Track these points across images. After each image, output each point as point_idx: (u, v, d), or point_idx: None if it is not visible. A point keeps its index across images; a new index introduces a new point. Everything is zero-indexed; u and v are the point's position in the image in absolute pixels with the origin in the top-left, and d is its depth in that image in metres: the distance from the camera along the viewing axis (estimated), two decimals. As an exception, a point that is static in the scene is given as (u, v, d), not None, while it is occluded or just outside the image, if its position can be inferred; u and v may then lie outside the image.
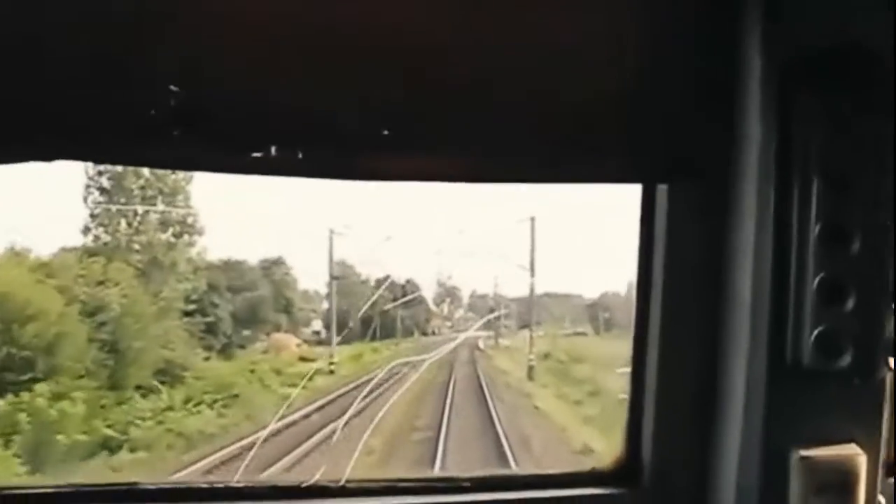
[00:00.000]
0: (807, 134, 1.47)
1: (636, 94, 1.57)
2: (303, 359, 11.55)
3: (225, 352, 11.27)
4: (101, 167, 9.14)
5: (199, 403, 9.64)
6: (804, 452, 1.51)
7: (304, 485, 1.61)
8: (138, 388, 9.55)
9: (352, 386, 9.49)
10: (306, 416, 9.09)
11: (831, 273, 1.46)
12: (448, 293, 13.01)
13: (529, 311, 12.47)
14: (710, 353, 1.65)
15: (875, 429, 1.54)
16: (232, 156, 1.38)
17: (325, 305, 12.69)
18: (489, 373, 12.71)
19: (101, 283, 9.64)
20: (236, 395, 10.00)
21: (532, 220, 11.23)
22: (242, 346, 11.72)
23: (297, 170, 1.41)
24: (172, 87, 1.32)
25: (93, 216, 10.27)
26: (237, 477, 1.60)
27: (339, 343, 12.04)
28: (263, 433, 7.67)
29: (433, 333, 13.06)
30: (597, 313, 13.28)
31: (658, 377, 1.69)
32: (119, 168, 9.37)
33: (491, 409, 10.84)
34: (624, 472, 1.74)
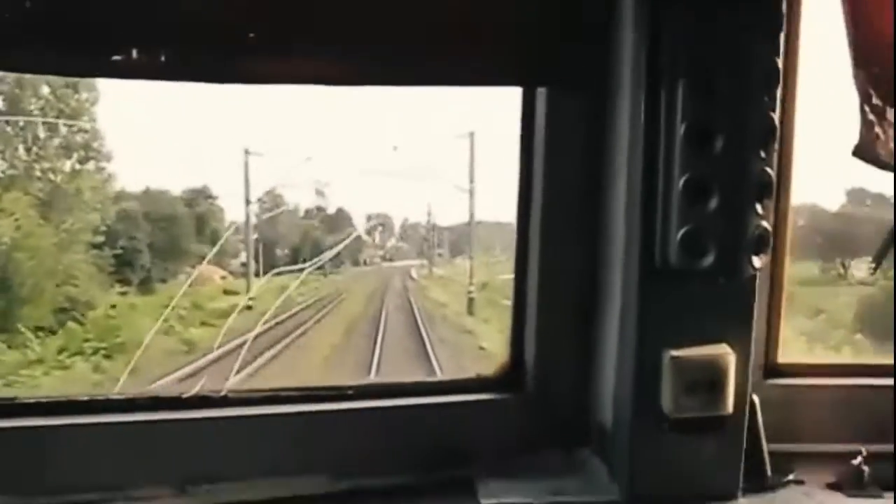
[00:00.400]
0: (675, 39, 1.49)
1: None
2: (227, 292, 10.97)
3: (145, 286, 10.72)
4: (-4, 85, 8.89)
5: (75, 354, 8.59)
6: (675, 353, 1.56)
7: (185, 395, 1.64)
8: (38, 329, 8.69)
9: (271, 324, 9.01)
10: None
11: (696, 173, 1.49)
12: (380, 221, 12.66)
13: (470, 237, 11.91)
14: (590, 258, 1.70)
15: (745, 328, 1.60)
16: (92, 59, 1.36)
17: (254, 236, 12.12)
18: (425, 306, 12.03)
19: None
20: (121, 343, 9.02)
21: (471, 135, 10.46)
22: (163, 280, 11.10)
23: (158, 73, 1.40)
24: None
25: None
26: (118, 388, 1.62)
27: (264, 274, 11.62)
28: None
29: (364, 264, 12.75)
30: None
31: (539, 283, 1.73)
32: (16, 88, 8.48)
33: (430, 351, 9.88)
34: (508, 378, 1.79)
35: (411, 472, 1.68)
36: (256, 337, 2.49)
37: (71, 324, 8.94)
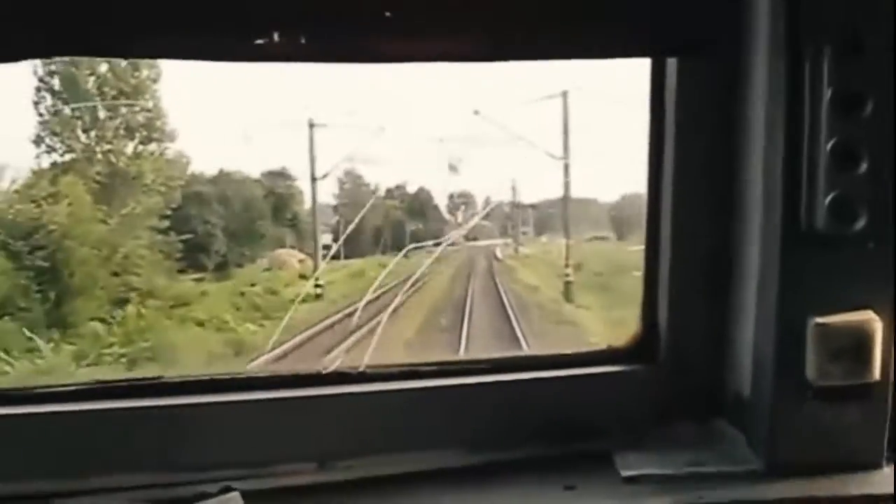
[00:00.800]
0: (816, 2, 1.47)
1: None
2: (303, 276, 10.85)
3: (221, 271, 10.47)
4: (53, 66, 8.23)
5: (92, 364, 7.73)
6: (819, 319, 1.54)
7: (324, 371, 1.69)
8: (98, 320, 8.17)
9: (341, 315, 8.52)
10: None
11: (844, 138, 1.48)
12: (462, 200, 12.14)
13: (565, 213, 10.86)
14: (723, 226, 1.69)
15: (891, 295, 1.56)
16: (234, 43, 1.41)
17: (335, 218, 12.05)
18: (514, 291, 11.19)
19: (42, 200, 8.31)
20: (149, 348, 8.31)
21: (564, 94, 9.52)
22: (240, 265, 10.93)
23: (298, 55, 1.44)
24: None
25: (44, 124, 8.92)
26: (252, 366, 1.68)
27: (346, 258, 11.29)
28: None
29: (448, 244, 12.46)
30: (621, 215, 12.05)
31: (672, 251, 1.73)
32: (71, 66, 8.40)
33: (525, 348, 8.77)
34: (640, 349, 1.80)
35: (547, 445, 1.70)
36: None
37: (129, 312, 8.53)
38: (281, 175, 11.94)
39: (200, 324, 9.12)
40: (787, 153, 1.52)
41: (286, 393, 1.66)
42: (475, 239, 12.37)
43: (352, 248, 11.48)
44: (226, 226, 10.85)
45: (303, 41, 1.40)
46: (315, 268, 10.83)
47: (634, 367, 1.79)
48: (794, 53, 1.49)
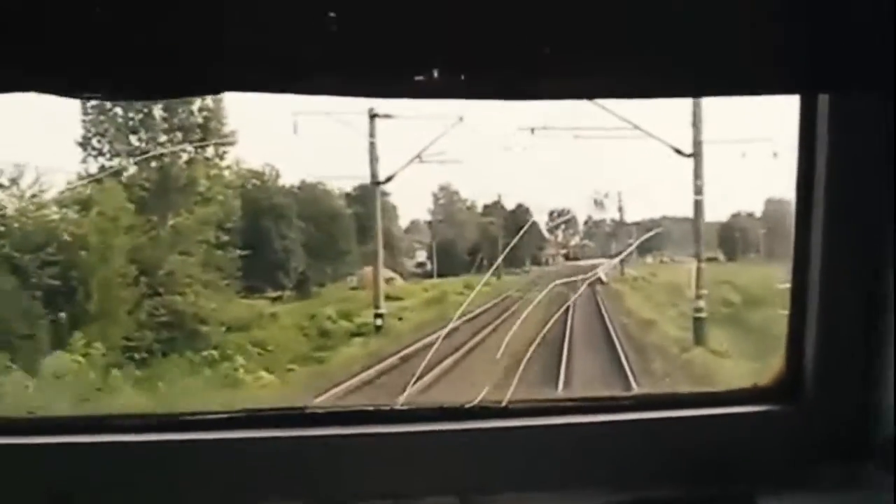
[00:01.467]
0: None
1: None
2: (389, 297, 10.33)
3: (301, 289, 10.03)
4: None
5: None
6: None
7: (467, 406, 1.74)
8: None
9: (408, 351, 8.00)
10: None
11: None
12: (563, 218, 11.74)
13: (697, 224, 9.39)
14: (877, 262, 1.68)
15: None
16: (397, 80, 1.47)
17: (430, 237, 12.05)
18: (625, 327, 9.85)
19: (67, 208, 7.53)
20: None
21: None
22: (322, 284, 10.43)
23: (459, 92, 1.50)
24: (331, 14, 1.41)
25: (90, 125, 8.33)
26: (402, 400, 1.74)
27: (439, 276, 11.44)
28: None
29: (546, 263, 12.00)
30: (731, 235, 11.38)
31: (821, 291, 1.73)
32: None
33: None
34: (786, 389, 1.80)
35: (689, 483, 1.71)
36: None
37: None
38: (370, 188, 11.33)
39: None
40: None
41: (429, 426, 1.71)
42: (575, 259, 11.95)
43: (446, 266, 11.65)
44: (306, 241, 10.43)
45: (462, 78, 1.46)
46: (377, 293, 10.01)
47: (779, 407, 1.79)
48: None
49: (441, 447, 1.71)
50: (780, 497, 1.68)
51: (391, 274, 11.27)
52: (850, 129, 1.68)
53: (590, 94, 1.56)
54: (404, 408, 1.76)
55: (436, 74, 1.43)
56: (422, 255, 12.24)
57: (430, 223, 12.27)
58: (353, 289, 10.78)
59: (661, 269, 11.56)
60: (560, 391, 7.58)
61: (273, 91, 1.49)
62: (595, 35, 1.50)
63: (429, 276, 11.92)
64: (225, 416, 1.72)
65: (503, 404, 1.74)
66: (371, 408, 1.75)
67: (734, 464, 1.72)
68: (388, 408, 1.76)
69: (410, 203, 12.33)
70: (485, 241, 11.61)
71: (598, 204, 10.98)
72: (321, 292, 10.41)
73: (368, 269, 10.78)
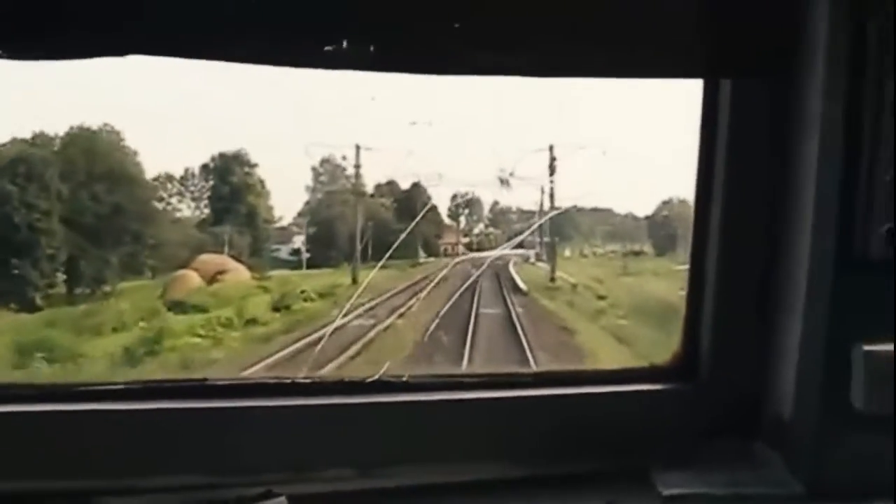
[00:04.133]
0: (881, 25, 1.67)
1: None
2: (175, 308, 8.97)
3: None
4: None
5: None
6: (868, 347, 1.74)
7: (369, 380, 1.93)
8: None
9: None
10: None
11: None
12: (466, 202, 11.26)
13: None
14: (773, 247, 1.90)
15: None
16: (306, 50, 1.65)
17: (307, 218, 11.26)
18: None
19: None
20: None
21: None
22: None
23: (368, 64, 1.68)
24: None
25: None
26: (303, 373, 1.93)
27: (311, 268, 10.91)
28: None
29: (445, 254, 11.32)
30: (660, 228, 11.02)
31: (717, 271, 1.94)
32: None
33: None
34: (681, 368, 2.02)
35: (586, 460, 1.92)
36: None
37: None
38: (233, 158, 10.81)
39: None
40: (845, 179, 1.72)
41: (330, 399, 1.88)
42: (478, 249, 11.12)
43: (321, 255, 11.10)
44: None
45: (371, 49, 1.65)
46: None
47: (676, 386, 2.01)
48: (854, 80, 1.70)
49: (342, 421, 1.87)
50: (674, 472, 1.89)
51: (230, 265, 10.39)
52: (749, 116, 1.90)
53: (496, 71, 1.76)
54: (305, 381, 1.91)
55: (345, 45, 1.62)
56: (298, 241, 11.60)
57: (307, 202, 11.63)
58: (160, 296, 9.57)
59: (588, 263, 11.18)
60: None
61: (184, 56, 1.66)
62: (507, 12, 1.71)
63: (296, 268, 11.32)
64: (122, 386, 1.87)
65: (404, 379, 1.93)
66: (272, 380, 1.92)
67: (630, 440, 1.93)
68: (289, 380, 1.91)
69: (284, 180, 11.75)
70: (371, 228, 10.93)
71: (504, 183, 10.37)
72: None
73: (204, 257, 10.17)
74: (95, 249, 9.32)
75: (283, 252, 11.47)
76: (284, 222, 11.69)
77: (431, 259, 11.27)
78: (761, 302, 1.95)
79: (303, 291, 10.10)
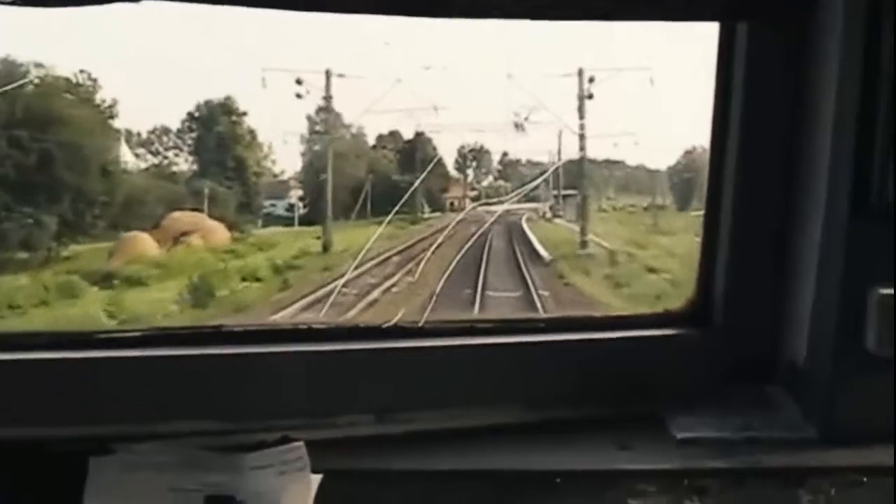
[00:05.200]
0: None
1: None
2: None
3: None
4: None
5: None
6: (883, 291, 1.82)
7: (384, 326, 2.04)
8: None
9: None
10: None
11: None
12: (474, 153, 11.18)
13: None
14: (788, 193, 1.98)
15: None
16: None
17: (299, 168, 11.11)
18: None
19: None
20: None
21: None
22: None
23: (377, 7, 1.75)
24: None
25: None
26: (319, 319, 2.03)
27: (307, 223, 10.77)
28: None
29: (451, 208, 11.19)
30: (684, 177, 10.73)
31: (733, 216, 2.02)
32: None
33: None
34: (696, 313, 2.11)
35: (600, 404, 2.01)
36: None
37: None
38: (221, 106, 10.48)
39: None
40: (861, 122, 1.78)
41: (346, 345, 1.99)
42: (486, 203, 10.65)
43: (318, 211, 11.01)
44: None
45: None
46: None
47: (689, 331, 2.10)
48: (873, 21, 1.76)
49: (358, 367, 1.98)
50: (688, 416, 1.99)
51: (204, 225, 9.86)
52: (765, 62, 1.97)
53: (502, 15, 1.83)
54: (321, 327, 2.01)
55: None
56: (295, 196, 11.59)
57: (303, 153, 11.65)
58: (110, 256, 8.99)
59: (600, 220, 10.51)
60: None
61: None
62: None
63: (290, 224, 11.28)
64: (138, 334, 1.97)
65: (419, 324, 2.04)
66: (288, 326, 2.03)
67: (644, 386, 2.03)
68: (305, 327, 2.01)
69: (276, 128, 11.51)
70: (375, 179, 10.99)
71: (519, 127, 10.03)
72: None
73: (176, 215, 9.47)
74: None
75: (280, 207, 11.53)
76: (281, 176, 11.75)
77: (437, 214, 11.27)
78: (776, 248, 2.03)
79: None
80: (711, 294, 2.11)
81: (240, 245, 10.40)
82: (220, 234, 10.11)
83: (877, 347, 1.86)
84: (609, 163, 11.91)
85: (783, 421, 2.00)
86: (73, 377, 1.90)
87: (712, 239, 2.10)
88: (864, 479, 1.84)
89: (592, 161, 10.94)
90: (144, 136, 10.90)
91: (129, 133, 10.70)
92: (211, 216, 10.39)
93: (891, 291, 1.83)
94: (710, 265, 2.11)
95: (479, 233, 9.30)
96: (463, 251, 8.27)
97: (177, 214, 9.90)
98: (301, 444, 1.83)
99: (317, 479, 1.80)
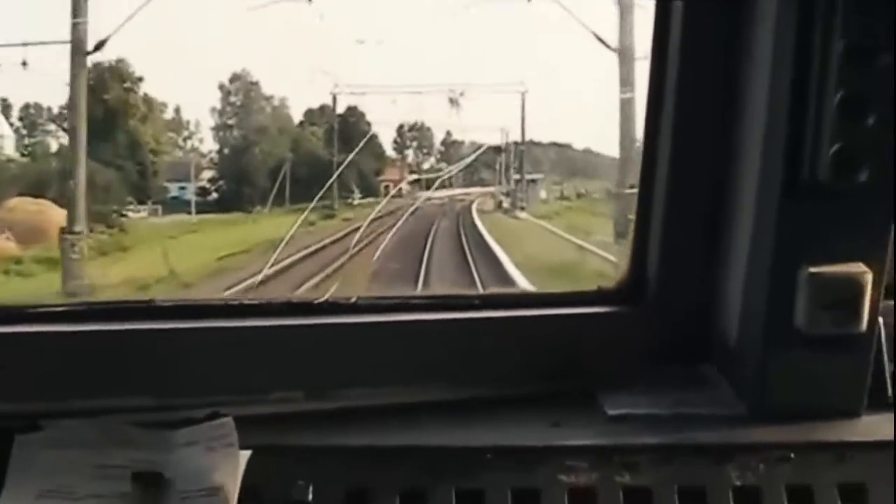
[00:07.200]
0: None
1: None
2: None
3: None
4: None
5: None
6: (813, 269, 1.99)
7: (316, 301, 2.21)
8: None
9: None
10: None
11: (854, 90, 1.88)
12: (415, 132, 10.63)
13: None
14: (721, 171, 2.15)
15: (882, 247, 2.01)
16: None
17: (215, 146, 10.36)
18: None
19: None
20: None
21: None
22: None
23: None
24: None
25: None
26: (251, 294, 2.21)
27: (220, 209, 10.11)
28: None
29: (385, 193, 10.40)
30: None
31: (666, 194, 2.19)
32: None
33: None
34: (628, 291, 2.28)
35: (533, 382, 2.19)
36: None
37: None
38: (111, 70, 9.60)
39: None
40: (794, 101, 1.93)
41: (277, 321, 2.14)
42: (427, 188, 10.08)
43: (232, 196, 10.39)
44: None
45: None
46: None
47: (622, 309, 2.28)
48: (804, 3, 1.90)
49: (289, 342, 2.13)
50: (620, 394, 2.17)
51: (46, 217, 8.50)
52: (700, 40, 2.14)
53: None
54: (253, 302, 2.17)
55: None
56: (207, 175, 10.64)
57: (216, 128, 10.82)
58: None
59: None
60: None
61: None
62: None
63: (204, 211, 10.33)
64: (67, 308, 2.12)
65: (352, 300, 2.21)
66: (219, 302, 2.19)
67: (577, 363, 2.20)
68: (236, 302, 2.17)
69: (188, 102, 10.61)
70: (298, 160, 10.36)
71: (454, 103, 9.58)
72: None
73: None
74: None
75: (189, 191, 10.57)
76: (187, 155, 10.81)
77: (368, 200, 10.50)
78: (709, 226, 2.21)
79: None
80: (644, 272, 2.29)
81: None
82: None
83: (806, 325, 2.04)
84: (556, 146, 11.60)
85: (714, 398, 2.18)
86: (1, 352, 2.04)
87: (646, 217, 2.27)
88: (792, 455, 2.01)
89: (538, 143, 10.69)
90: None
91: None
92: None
93: (820, 269, 2.01)
94: (643, 243, 2.28)
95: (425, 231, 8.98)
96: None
97: (15, 202, 8.72)
98: (229, 419, 1.95)
99: (246, 454, 1.91)
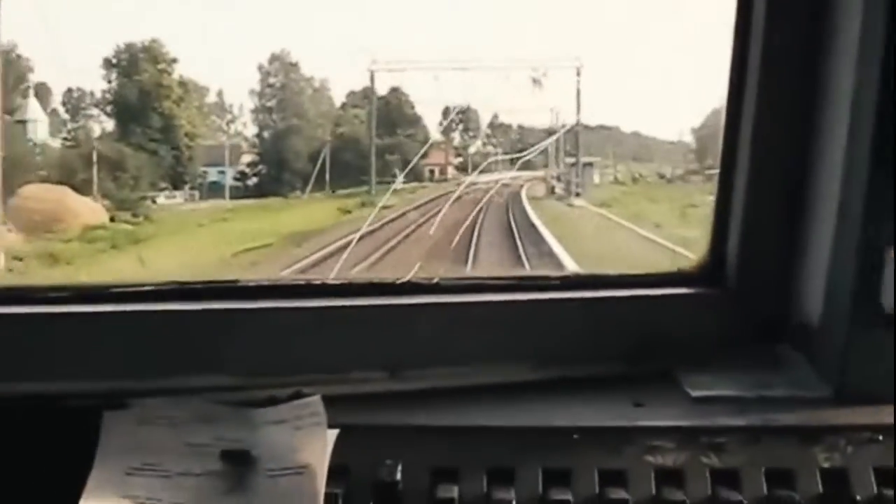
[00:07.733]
0: None
1: None
2: None
3: None
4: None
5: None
6: None
7: (398, 281, 2.26)
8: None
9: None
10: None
11: None
12: (462, 116, 10.15)
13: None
14: (805, 149, 2.18)
15: None
16: None
17: (254, 129, 10.18)
18: None
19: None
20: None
21: None
22: None
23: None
24: None
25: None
26: (333, 275, 2.27)
27: (259, 195, 9.96)
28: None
29: (430, 178, 10.35)
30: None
31: (748, 175, 2.22)
32: None
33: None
34: (709, 272, 2.33)
35: (613, 363, 2.24)
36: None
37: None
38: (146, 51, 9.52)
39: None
40: (883, 77, 1.94)
41: (360, 301, 2.21)
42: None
43: (272, 181, 10.27)
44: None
45: None
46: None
47: (703, 290, 2.33)
48: None
49: (372, 322, 2.19)
50: (701, 375, 2.20)
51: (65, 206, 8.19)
52: (784, 19, 2.16)
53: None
54: (336, 282, 2.23)
55: None
56: (246, 160, 10.47)
57: (254, 110, 10.59)
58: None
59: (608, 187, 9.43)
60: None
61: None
62: None
63: (247, 195, 10.22)
64: (153, 288, 2.19)
65: (434, 281, 2.27)
66: (303, 282, 2.25)
67: (658, 344, 2.25)
68: (319, 282, 2.23)
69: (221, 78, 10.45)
70: (339, 144, 10.20)
71: (536, 83, 8.44)
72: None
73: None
74: None
75: (229, 176, 10.45)
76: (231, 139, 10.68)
77: (412, 185, 10.26)
78: (791, 206, 2.23)
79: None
80: (724, 253, 2.33)
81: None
82: (90, 216, 8.36)
83: (893, 306, 2.06)
84: (603, 129, 11.03)
85: (796, 379, 2.22)
86: (87, 332, 2.11)
87: (726, 197, 2.31)
88: (880, 437, 2.03)
89: (587, 127, 9.89)
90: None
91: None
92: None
93: None
94: (723, 224, 2.32)
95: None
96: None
97: (31, 189, 8.17)
98: (318, 398, 1.99)
99: (333, 433, 1.95)
